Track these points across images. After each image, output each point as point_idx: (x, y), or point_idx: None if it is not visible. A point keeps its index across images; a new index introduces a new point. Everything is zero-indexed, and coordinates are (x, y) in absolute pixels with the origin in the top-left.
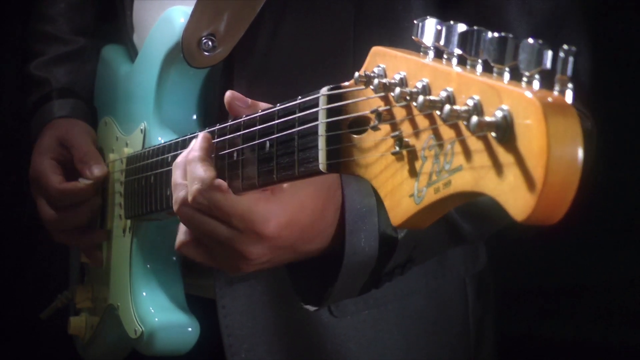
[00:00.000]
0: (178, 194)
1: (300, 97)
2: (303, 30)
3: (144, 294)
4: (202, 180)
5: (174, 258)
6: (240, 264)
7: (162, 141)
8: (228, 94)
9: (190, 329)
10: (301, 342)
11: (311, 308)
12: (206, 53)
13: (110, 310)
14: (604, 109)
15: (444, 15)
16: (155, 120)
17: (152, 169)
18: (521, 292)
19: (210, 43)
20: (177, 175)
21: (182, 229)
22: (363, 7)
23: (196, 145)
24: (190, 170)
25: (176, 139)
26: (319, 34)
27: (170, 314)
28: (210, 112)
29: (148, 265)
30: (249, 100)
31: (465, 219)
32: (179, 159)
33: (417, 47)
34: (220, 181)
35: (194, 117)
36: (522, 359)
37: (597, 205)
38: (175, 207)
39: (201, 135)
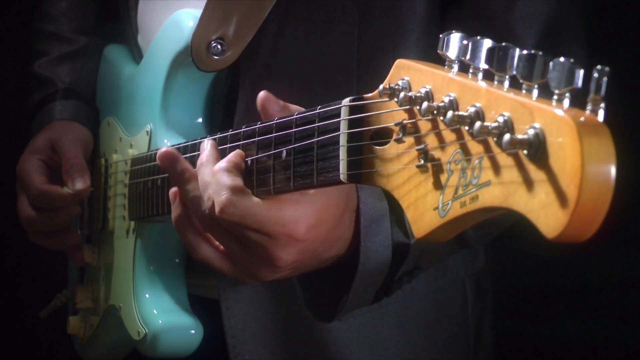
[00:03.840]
0: (203, 201)
1: (320, 106)
2: (307, 32)
3: (147, 295)
4: (230, 189)
5: (177, 260)
6: (265, 272)
7: (169, 144)
8: (262, 94)
9: (193, 331)
10: (304, 344)
11: (326, 323)
12: (215, 57)
13: (112, 311)
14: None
15: (448, 18)
16: (161, 122)
17: (159, 172)
18: (521, 292)
19: (219, 47)
20: (204, 175)
21: (198, 243)
22: (367, 9)
23: (225, 158)
24: (216, 181)
25: (185, 142)
26: (323, 36)
27: (174, 316)
28: (216, 114)
29: (151, 267)
30: (282, 102)
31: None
32: (204, 158)
33: (423, 50)
34: (247, 189)
35: (200, 120)
36: (522, 359)
37: None
38: (203, 213)
39: (235, 151)
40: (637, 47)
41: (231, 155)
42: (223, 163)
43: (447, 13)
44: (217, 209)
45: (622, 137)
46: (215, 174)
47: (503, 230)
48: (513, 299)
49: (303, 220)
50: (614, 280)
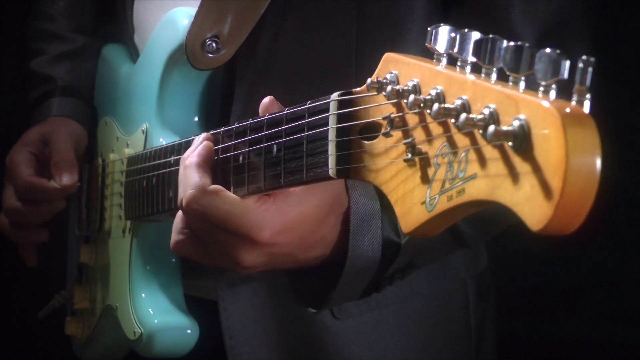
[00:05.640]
0: (179, 193)
1: (309, 101)
2: (305, 31)
3: (144, 295)
4: (196, 187)
5: (174, 259)
6: (236, 268)
7: (164, 142)
8: (267, 99)
9: (189, 331)
10: (303, 344)
11: (311, 310)
12: (210, 55)
13: (109, 311)
14: (606, 109)
15: (447, 15)
16: (157, 121)
17: (154, 171)
18: (521, 292)
19: (214, 45)
20: (180, 172)
21: (175, 228)
22: (365, 8)
23: (195, 151)
24: (185, 176)
25: (179, 140)
26: (321, 35)
27: (170, 315)
28: (212, 113)
29: (148, 267)
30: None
31: (467, 223)
32: (184, 155)
33: (422, 49)
34: (215, 186)
35: (196, 118)
36: (522, 359)
37: (597, 205)
38: (178, 203)
39: (203, 143)
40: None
41: (200, 149)
42: (193, 158)
43: (449, 11)
44: (184, 202)
45: (616, 130)
46: (185, 169)
47: (504, 230)
48: (514, 299)
49: (267, 226)
50: (614, 280)
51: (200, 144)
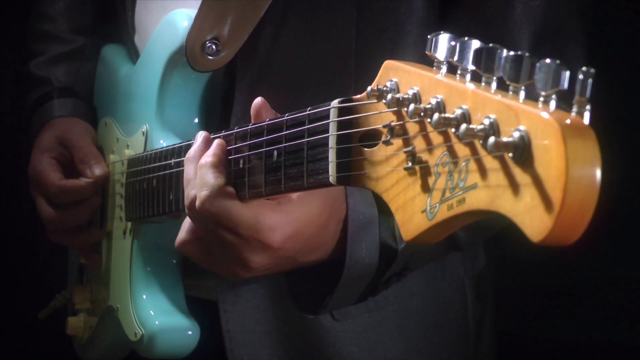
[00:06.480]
0: (189, 192)
1: (310, 108)
2: (305, 33)
3: (144, 296)
4: (211, 187)
5: (175, 261)
6: (239, 270)
7: (164, 144)
8: (258, 100)
9: (190, 332)
10: (303, 346)
11: (308, 315)
12: (210, 57)
13: (110, 312)
14: (602, 111)
15: (446, 18)
16: (157, 122)
17: (154, 172)
18: (521, 292)
19: (214, 47)
20: (189, 171)
21: (184, 227)
22: (365, 10)
23: (210, 151)
24: (200, 175)
25: (180, 143)
26: (321, 37)
27: (171, 317)
28: (212, 115)
29: (148, 268)
30: (273, 112)
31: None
32: (191, 153)
33: (421, 51)
34: (229, 188)
35: (196, 120)
36: (522, 359)
37: (597, 206)
38: (186, 203)
39: (217, 142)
40: (635, 47)
41: (215, 149)
42: (209, 158)
43: (446, 14)
44: (197, 203)
45: (614, 137)
46: (200, 168)
47: (499, 231)
48: (513, 299)
49: (278, 229)
50: (614, 281)
51: (212, 143)
